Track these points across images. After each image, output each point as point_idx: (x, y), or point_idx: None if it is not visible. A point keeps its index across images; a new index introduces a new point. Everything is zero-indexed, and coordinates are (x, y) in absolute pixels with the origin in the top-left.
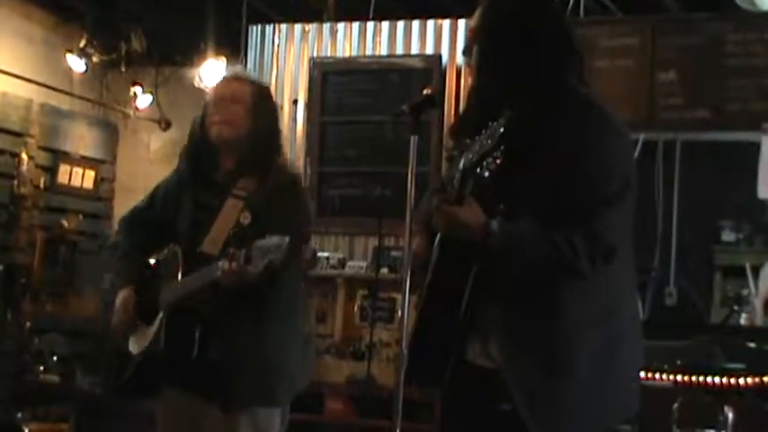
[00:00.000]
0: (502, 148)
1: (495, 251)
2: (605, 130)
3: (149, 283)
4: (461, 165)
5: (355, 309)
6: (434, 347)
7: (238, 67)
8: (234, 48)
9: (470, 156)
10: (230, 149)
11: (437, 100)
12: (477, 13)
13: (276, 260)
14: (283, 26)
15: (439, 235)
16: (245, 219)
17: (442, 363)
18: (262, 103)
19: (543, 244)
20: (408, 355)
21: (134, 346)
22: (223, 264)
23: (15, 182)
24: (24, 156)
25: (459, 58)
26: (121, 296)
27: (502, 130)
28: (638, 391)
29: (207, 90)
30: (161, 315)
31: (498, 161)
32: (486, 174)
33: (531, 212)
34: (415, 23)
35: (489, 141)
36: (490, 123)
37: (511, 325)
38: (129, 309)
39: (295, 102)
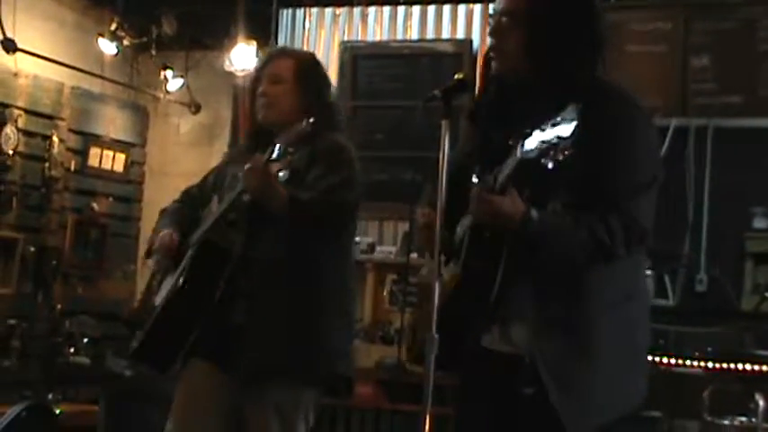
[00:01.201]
0: (573, 140)
1: (534, 239)
2: (638, 118)
3: (188, 231)
4: (518, 154)
5: (384, 293)
6: (450, 333)
7: (280, 45)
8: (265, 32)
9: (530, 147)
10: (281, 128)
11: (469, 85)
12: None
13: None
14: (314, 10)
15: (468, 222)
16: (283, 173)
17: (455, 348)
18: (306, 77)
19: (581, 230)
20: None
21: (159, 299)
22: (246, 167)
23: (47, 164)
24: (55, 138)
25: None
26: (165, 229)
27: (575, 123)
28: (648, 376)
29: (250, 71)
30: (188, 254)
31: (568, 152)
32: (551, 165)
33: (565, 199)
34: (446, 8)
35: (557, 133)
36: (532, 112)
37: (540, 308)
38: (172, 237)
39: None
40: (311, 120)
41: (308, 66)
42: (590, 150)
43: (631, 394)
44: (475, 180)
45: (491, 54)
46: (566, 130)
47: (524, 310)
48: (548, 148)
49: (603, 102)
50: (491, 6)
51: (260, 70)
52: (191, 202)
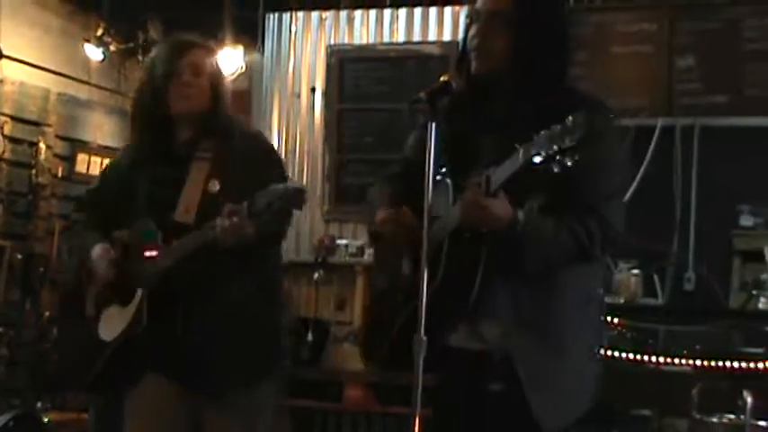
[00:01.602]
0: (580, 147)
1: (519, 240)
2: (610, 124)
3: (119, 264)
4: (521, 157)
5: None
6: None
7: (189, 35)
8: (251, 36)
9: (536, 151)
10: (187, 120)
11: (454, 86)
12: None
13: (284, 209)
14: (300, 14)
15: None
16: (214, 186)
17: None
18: (219, 72)
19: (563, 232)
20: (392, 339)
21: (107, 333)
22: (222, 221)
23: (33, 171)
24: (42, 145)
25: None
26: (99, 246)
27: (583, 129)
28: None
29: (163, 57)
30: (141, 292)
31: (576, 158)
32: (557, 169)
33: (542, 200)
34: (433, 10)
35: (565, 138)
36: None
37: (517, 307)
38: (110, 255)
39: (313, 89)
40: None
41: (214, 54)
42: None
43: (592, 394)
44: (448, 181)
45: (473, 54)
46: (574, 136)
47: (497, 309)
48: (555, 153)
49: (588, 112)
50: (465, 8)
51: (174, 61)
52: (95, 211)
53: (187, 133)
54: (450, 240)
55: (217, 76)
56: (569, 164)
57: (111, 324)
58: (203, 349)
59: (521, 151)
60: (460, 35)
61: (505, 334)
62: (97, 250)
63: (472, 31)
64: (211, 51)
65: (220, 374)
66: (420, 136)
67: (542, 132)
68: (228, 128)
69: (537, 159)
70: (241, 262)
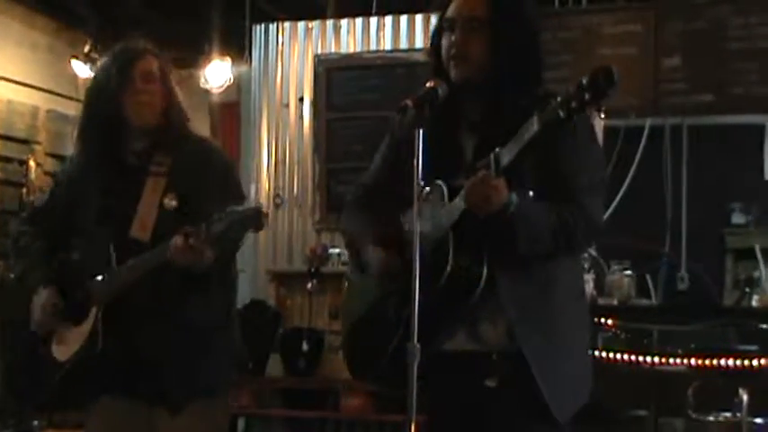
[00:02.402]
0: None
1: (512, 220)
2: (586, 120)
3: (71, 280)
4: (535, 125)
5: None
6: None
7: (139, 40)
8: (238, 48)
9: (551, 114)
10: (141, 129)
11: (440, 92)
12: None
13: (241, 233)
14: (287, 24)
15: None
16: (171, 201)
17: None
18: (168, 76)
19: (552, 214)
20: (385, 355)
21: (60, 352)
22: (176, 241)
23: (24, 189)
24: (32, 163)
25: None
26: (45, 293)
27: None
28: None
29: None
30: (95, 311)
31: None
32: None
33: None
34: (419, 17)
35: (584, 93)
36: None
37: (521, 303)
38: (55, 306)
39: (301, 99)
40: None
41: (165, 61)
42: (553, 152)
43: (589, 383)
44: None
45: (452, 62)
46: (600, 89)
47: (500, 308)
48: (580, 107)
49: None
50: (434, 16)
51: (126, 68)
52: (43, 224)
53: (140, 143)
54: (455, 241)
55: (169, 82)
56: (596, 114)
57: (66, 342)
58: (159, 364)
59: (535, 117)
60: (429, 43)
61: (509, 331)
62: (44, 297)
63: (447, 40)
64: (162, 58)
65: (177, 389)
66: (392, 142)
67: (558, 97)
68: (183, 139)
69: (562, 114)
70: (195, 280)
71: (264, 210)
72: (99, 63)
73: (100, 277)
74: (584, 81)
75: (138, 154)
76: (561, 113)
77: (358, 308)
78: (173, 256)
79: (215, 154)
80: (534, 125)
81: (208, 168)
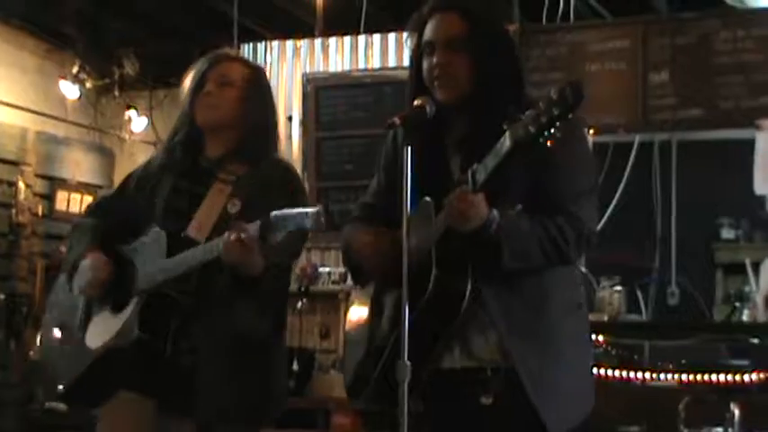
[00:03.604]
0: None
1: (496, 238)
2: (580, 130)
3: (121, 271)
4: (507, 141)
5: None
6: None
7: (231, 49)
8: None
9: (521, 129)
10: (216, 135)
11: (428, 110)
12: (447, 20)
13: (298, 233)
14: (275, 43)
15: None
16: (234, 206)
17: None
18: (255, 87)
19: (537, 230)
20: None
21: (93, 339)
22: (228, 235)
23: (14, 211)
24: (21, 184)
25: None
26: (92, 256)
27: (573, 97)
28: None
29: (196, 70)
30: (134, 300)
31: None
32: (543, 143)
33: (509, 206)
34: (407, 35)
35: (552, 108)
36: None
37: (510, 319)
38: (107, 265)
39: (290, 118)
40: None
41: (260, 74)
42: (539, 161)
43: (590, 397)
44: (428, 199)
45: (436, 83)
46: (565, 103)
47: (489, 324)
48: (547, 124)
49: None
50: (407, 36)
51: (203, 72)
52: (105, 217)
53: (216, 149)
54: (436, 253)
55: (248, 89)
56: (558, 135)
57: (99, 330)
58: (193, 374)
59: (507, 133)
60: (408, 66)
61: (500, 347)
62: (88, 261)
63: (429, 62)
64: (245, 64)
65: (210, 406)
66: (386, 163)
67: (527, 112)
68: (258, 153)
69: (532, 130)
70: (248, 287)
71: (321, 212)
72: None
73: (146, 267)
74: (553, 96)
75: (211, 159)
76: (531, 129)
77: (358, 329)
78: (224, 251)
79: (287, 173)
80: (507, 141)
81: (276, 184)
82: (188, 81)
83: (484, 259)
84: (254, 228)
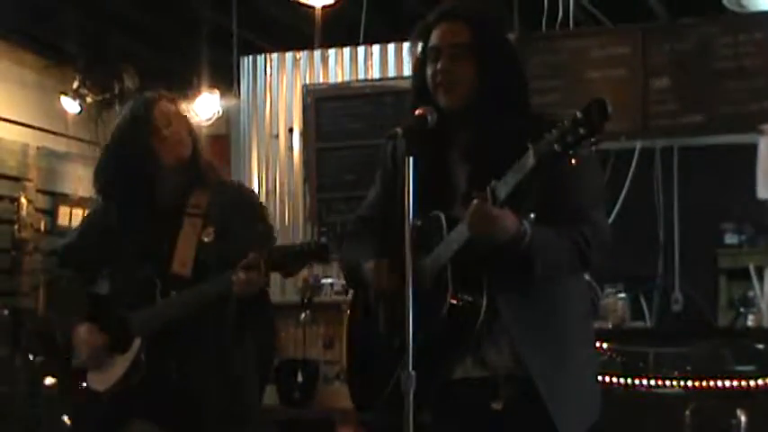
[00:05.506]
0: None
1: (529, 251)
2: None
3: (106, 314)
4: (531, 158)
5: None
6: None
7: (160, 90)
8: (227, 80)
9: (546, 146)
10: (176, 171)
11: (429, 120)
12: (453, 28)
13: (302, 265)
14: (274, 55)
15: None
16: (208, 235)
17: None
18: (188, 118)
19: (564, 239)
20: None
21: (99, 382)
22: (240, 275)
23: (16, 227)
24: (23, 200)
25: None
26: (84, 330)
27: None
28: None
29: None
30: (138, 342)
31: (593, 144)
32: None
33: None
34: (406, 45)
35: (578, 128)
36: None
37: (525, 325)
38: (104, 341)
39: (290, 130)
40: None
41: (180, 104)
42: (555, 173)
43: (598, 403)
44: (439, 214)
45: (440, 89)
46: (591, 124)
47: (501, 335)
48: (573, 142)
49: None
50: (410, 45)
51: (150, 114)
52: (78, 268)
53: (170, 184)
54: (453, 272)
55: (188, 121)
56: (585, 154)
57: (103, 374)
58: (197, 396)
59: (531, 151)
60: (410, 75)
61: (514, 355)
62: (82, 332)
63: (433, 68)
64: (173, 100)
65: (213, 420)
66: (384, 174)
67: (553, 131)
68: (216, 181)
69: (558, 149)
70: (239, 310)
71: (327, 244)
72: (121, 112)
73: (144, 310)
74: (579, 115)
75: (170, 194)
76: (557, 147)
77: (362, 338)
78: (237, 290)
79: (252, 195)
80: (531, 158)
81: (241, 206)
82: (124, 129)
83: (507, 271)
84: (261, 264)
